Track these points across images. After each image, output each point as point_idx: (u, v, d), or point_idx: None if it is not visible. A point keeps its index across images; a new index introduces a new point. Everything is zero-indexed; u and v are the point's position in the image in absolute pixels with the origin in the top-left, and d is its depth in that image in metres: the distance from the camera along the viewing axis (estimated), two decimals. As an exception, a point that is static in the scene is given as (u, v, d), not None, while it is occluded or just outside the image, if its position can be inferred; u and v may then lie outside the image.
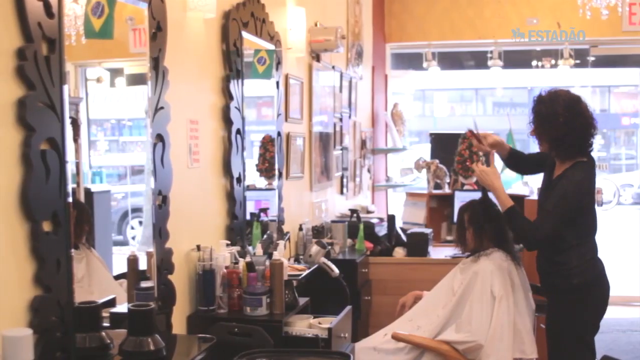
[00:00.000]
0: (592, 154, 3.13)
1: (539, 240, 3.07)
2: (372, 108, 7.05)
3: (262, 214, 3.78)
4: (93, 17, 2.28)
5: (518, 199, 3.48)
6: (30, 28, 1.95)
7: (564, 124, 2.98)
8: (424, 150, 7.39)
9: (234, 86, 3.39)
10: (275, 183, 4.01)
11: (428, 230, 5.15)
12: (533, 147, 3.45)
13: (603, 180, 13.88)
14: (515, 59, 8.25)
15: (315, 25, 4.81)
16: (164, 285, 2.70)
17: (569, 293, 3.07)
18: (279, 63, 3.98)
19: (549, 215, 3.02)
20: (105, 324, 2.31)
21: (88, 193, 2.45)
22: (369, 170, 6.81)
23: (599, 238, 3.15)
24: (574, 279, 3.03)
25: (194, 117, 3.06)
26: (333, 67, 5.34)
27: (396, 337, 3.36)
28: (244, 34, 3.50)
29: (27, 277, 1.97)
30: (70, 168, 2.12)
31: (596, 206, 3.18)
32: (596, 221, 3.14)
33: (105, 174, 2.68)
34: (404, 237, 5.04)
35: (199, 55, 3.12)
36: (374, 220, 5.13)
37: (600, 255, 3.15)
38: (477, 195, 3.59)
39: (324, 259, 3.56)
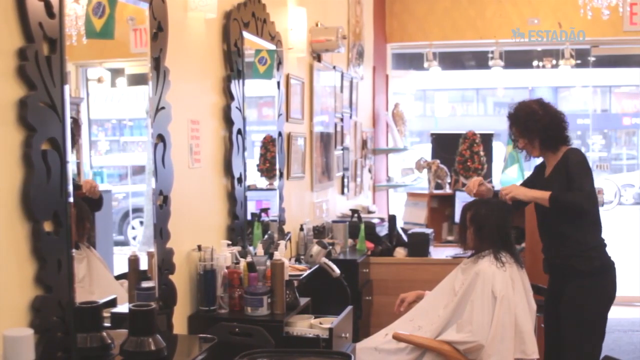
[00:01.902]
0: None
1: (587, 196, 3.23)
2: (373, 108, 7.05)
3: (263, 214, 3.78)
4: (94, 17, 2.28)
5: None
6: (31, 28, 1.95)
7: (544, 114, 3.32)
8: (425, 150, 7.38)
9: (235, 86, 3.39)
10: (276, 183, 4.01)
11: (429, 231, 5.16)
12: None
13: (604, 181, 13.84)
14: (516, 59, 8.25)
15: (316, 25, 4.81)
16: (165, 285, 2.70)
17: (590, 275, 3.28)
18: (279, 63, 3.98)
19: (580, 178, 3.24)
20: (106, 324, 2.30)
21: (89, 193, 2.45)
22: (369, 171, 6.81)
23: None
24: (595, 261, 3.28)
25: (195, 117, 3.06)
26: (334, 67, 5.34)
27: (397, 337, 3.35)
28: (245, 34, 3.50)
29: (28, 277, 1.97)
30: (71, 168, 2.12)
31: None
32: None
33: (106, 174, 2.68)
34: (404, 237, 5.04)
35: (200, 55, 3.12)
36: (375, 221, 5.13)
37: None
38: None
39: (324, 259, 3.57)
